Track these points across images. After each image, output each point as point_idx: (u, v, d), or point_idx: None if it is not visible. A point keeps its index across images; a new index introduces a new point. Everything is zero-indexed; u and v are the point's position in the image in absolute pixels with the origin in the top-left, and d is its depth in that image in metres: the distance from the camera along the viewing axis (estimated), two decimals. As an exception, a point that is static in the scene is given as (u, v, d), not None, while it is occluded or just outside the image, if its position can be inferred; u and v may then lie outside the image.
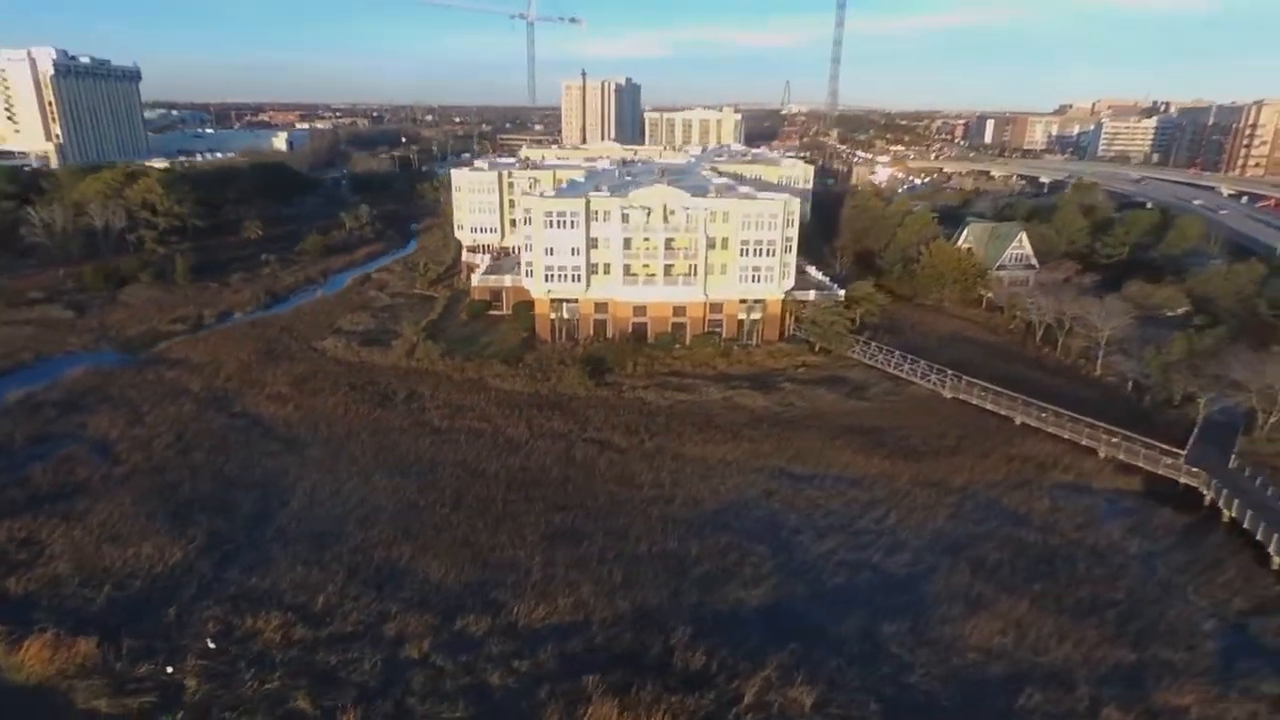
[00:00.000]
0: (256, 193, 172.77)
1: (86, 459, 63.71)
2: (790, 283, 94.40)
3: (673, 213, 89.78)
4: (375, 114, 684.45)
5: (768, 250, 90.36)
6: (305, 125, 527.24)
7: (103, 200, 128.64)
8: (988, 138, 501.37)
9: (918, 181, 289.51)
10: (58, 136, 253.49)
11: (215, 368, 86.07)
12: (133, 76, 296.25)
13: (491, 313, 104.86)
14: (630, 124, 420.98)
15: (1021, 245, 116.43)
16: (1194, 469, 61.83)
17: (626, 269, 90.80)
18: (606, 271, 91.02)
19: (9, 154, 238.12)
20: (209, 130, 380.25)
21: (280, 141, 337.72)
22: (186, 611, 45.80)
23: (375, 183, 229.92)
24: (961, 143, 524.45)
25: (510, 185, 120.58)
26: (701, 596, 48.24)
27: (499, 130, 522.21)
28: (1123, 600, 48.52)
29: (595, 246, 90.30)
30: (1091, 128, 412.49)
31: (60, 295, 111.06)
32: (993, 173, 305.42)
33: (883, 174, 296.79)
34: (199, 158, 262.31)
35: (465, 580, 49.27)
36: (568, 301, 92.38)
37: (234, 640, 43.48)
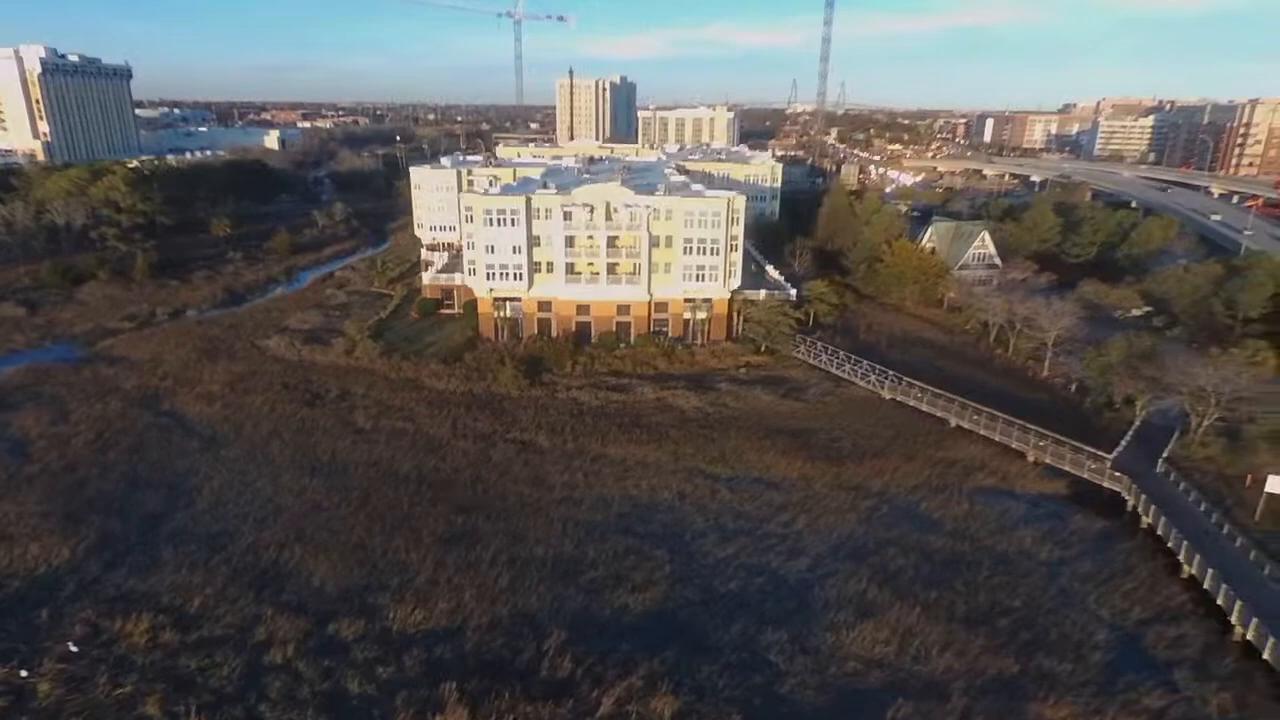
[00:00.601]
0: (230, 191, 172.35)
1: (-2, 458, 63.17)
2: (737, 282, 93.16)
3: (616, 211, 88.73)
4: (379, 113, 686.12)
5: (711, 249, 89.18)
6: (306, 124, 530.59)
7: (65, 198, 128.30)
8: (987, 136, 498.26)
9: (908, 180, 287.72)
10: (45, 134, 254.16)
11: (154, 366, 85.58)
12: (123, 75, 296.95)
13: (443, 311, 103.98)
14: (625, 122, 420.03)
15: (984, 245, 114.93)
16: (1117, 474, 60.42)
17: (570, 268, 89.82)
18: (549, 270, 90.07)
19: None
20: (203, 129, 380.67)
21: (272, 140, 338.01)
22: (59, 613, 45.14)
23: (356, 181, 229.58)
24: (961, 141, 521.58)
25: (470, 183, 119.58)
26: (587, 602, 47.27)
27: (499, 129, 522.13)
28: (1019, 608, 47.30)
29: (538, 245, 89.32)
30: (1089, 126, 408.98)
31: (15, 293, 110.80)
32: (985, 171, 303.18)
33: (874, 173, 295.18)
34: (188, 155, 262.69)
35: (348, 584, 48.44)
36: (511, 300, 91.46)
37: (99, 643, 42.79)
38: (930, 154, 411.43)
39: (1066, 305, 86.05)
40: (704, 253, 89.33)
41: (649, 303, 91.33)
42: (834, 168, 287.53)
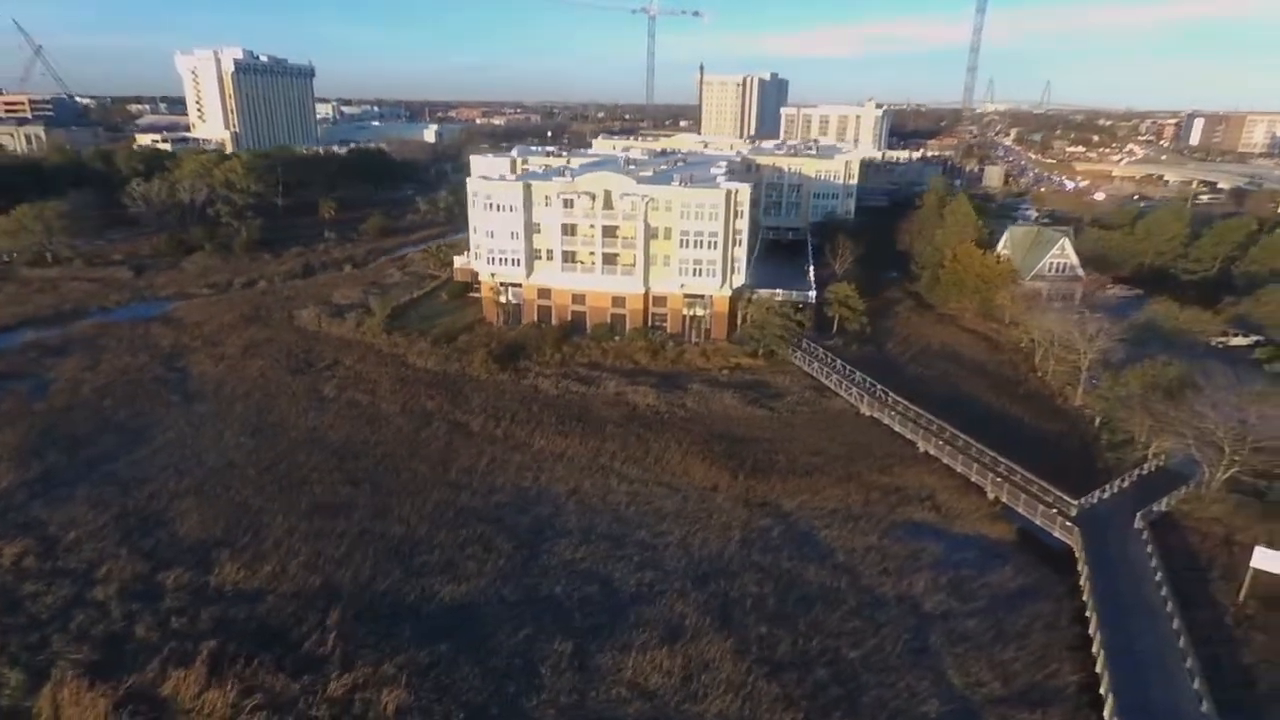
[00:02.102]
0: (349, 177, 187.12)
1: (19, 396, 72.58)
2: (741, 279, 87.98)
3: (616, 200, 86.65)
4: (554, 111, 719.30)
5: (709, 243, 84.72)
6: (483, 120, 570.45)
7: (193, 178, 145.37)
8: (1195, 139, 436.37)
9: (1070, 185, 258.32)
10: (235, 125, 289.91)
11: (197, 327, 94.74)
12: (307, 73, 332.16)
13: (472, 295, 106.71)
14: (772, 119, 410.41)
15: (1063, 253, 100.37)
16: (1069, 524, 50.55)
17: (567, 256, 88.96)
18: (549, 258, 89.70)
19: (195, 140, 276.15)
20: (375, 123, 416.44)
21: (430, 134, 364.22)
22: (-36, 530, 51.08)
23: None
24: (1164, 144, 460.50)
25: (525, 169, 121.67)
26: (400, 584, 46.62)
27: (659, 125, 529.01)
28: (851, 660, 40.91)
29: (538, 232, 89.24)
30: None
31: (132, 259, 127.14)
32: (1167, 177, 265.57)
33: (1028, 176, 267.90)
34: (352, 146, 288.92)
35: (204, 538, 50.91)
36: (512, 286, 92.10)
37: (-31, 562, 47.88)
38: (1118, 157, 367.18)
39: (1111, 325, 73.11)
40: (701, 246, 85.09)
41: (644, 296, 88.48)
42: (976, 169, 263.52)
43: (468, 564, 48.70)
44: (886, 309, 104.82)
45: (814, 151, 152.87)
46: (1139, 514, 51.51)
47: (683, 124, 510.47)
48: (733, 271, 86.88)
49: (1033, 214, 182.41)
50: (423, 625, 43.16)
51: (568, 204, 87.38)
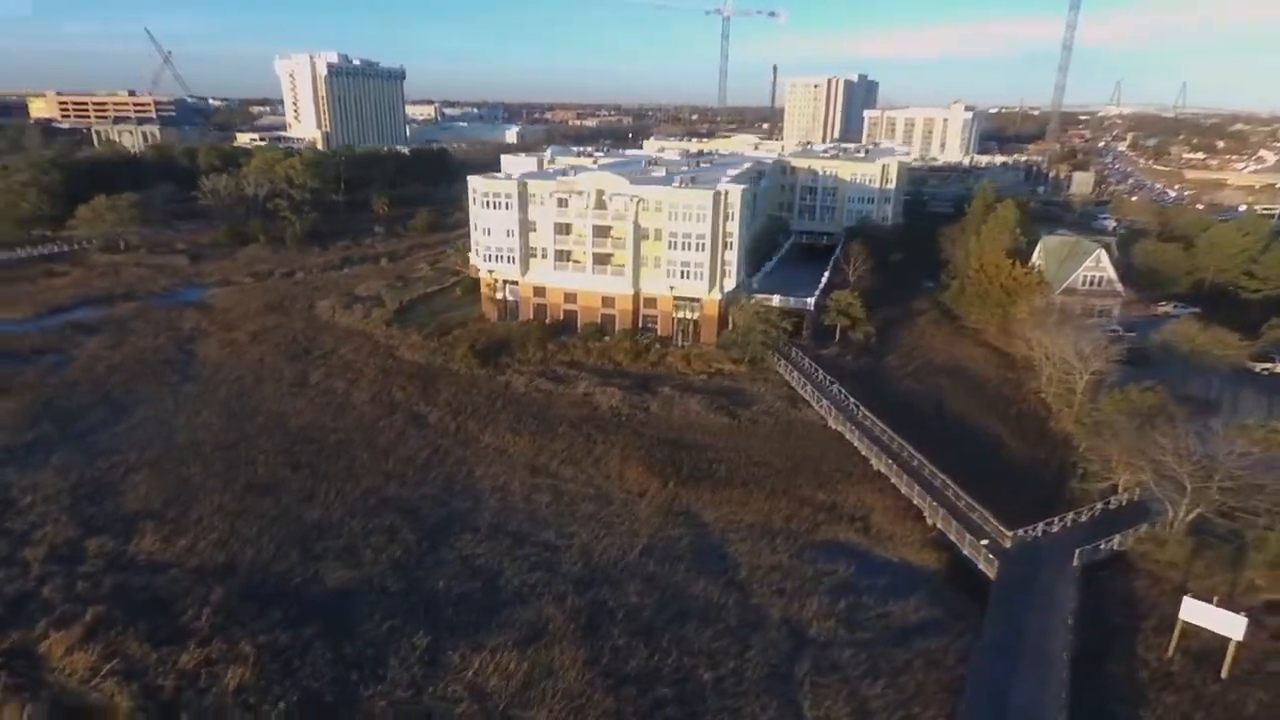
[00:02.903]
0: (411, 175, 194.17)
1: (40, 370, 78.97)
2: (732, 282, 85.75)
3: (609, 200, 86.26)
4: (647, 113, 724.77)
5: (697, 245, 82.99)
6: (577, 122, 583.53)
7: (259, 174, 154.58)
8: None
9: (1170, 194, 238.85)
10: (326, 125, 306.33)
11: (223, 313, 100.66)
12: (397, 76, 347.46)
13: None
14: (858, 123, 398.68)
15: (1099, 266, 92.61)
16: (992, 557, 46.57)
17: (561, 255, 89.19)
18: (543, 256, 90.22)
19: (288, 139, 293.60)
20: (461, 124, 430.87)
21: (512, 134, 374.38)
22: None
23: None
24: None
25: (566, 173, 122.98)
26: (294, 565, 47.91)
27: (749, 127, 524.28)
28: (705, 681, 39.09)
29: (533, 230, 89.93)
30: None
31: (194, 248, 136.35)
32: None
33: (1125, 184, 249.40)
34: (434, 146, 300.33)
35: (141, 509, 53.88)
36: (509, 283, 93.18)
37: (-63, 515, 52.52)
38: (1241, 165, 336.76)
39: (1101, 342, 66.93)
40: (689, 248, 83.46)
41: (634, 297, 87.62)
42: (1065, 175, 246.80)
43: (366, 552, 49.53)
44: (907, 319, 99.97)
45: (862, 155, 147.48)
46: (1078, 552, 46.86)
47: (762, 126, 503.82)
48: (723, 275, 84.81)
49: (1110, 224, 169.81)
50: (299, 607, 44.13)
51: (562, 203, 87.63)
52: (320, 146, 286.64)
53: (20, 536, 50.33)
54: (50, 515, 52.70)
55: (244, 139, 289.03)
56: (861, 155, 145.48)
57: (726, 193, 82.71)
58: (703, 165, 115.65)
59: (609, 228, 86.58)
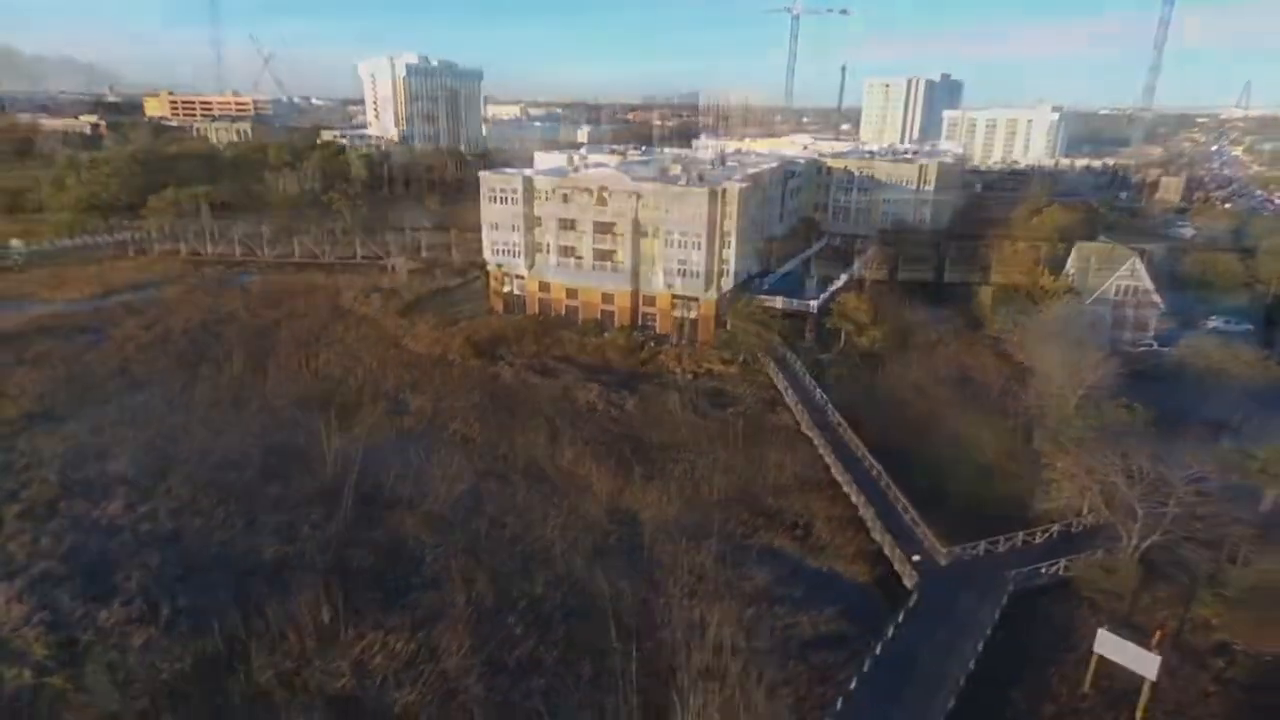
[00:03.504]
0: (467, 170, 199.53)
1: (79, 346, 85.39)
2: (730, 282, 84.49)
3: (610, 197, 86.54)
4: (727, 115, 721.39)
5: (694, 244, 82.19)
6: (660, 123, 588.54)
7: (315, 169, 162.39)
8: None
9: (1276, 202, 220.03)
10: (403, 125, 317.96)
11: (256, 298, 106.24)
12: (475, 76, 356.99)
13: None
14: (938, 124, 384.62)
15: (1133, 275, 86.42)
16: (913, 572, 44.34)
17: (565, 251, 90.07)
18: (548, 251, 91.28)
19: (367, 137, 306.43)
20: (537, 124, 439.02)
21: (582, 134, 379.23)
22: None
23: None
24: None
25: (577, 170, 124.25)
26: (234, 537, 50.29)
27: (825, 127, 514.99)
28: (579, 675, 38.79)
29: (539, 225, 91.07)
30: None
31: (251, 238, 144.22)
32: None
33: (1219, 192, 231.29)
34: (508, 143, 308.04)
35: (120, 472, 57.62)
36: (515, 277, 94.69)
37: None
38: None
39: (1090, 356, 62.44)
40: (686, 247, 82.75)
41: (633, 294, 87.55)
42: (1153, 183, 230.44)
43: (304, 528, 51.47)
44: (927, 326, 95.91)
45: (909, 156, 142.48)
46: (1012, 575, 44.07)
47: (844, 128, 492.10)
48: (721, 274, 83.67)
49: (1188, 232, 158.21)
50: (231, 577, 46.26)
51: (565, 199, 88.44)
52: (397, 145, 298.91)
53: (10, 495, 54.72)
54: (38, 477, 57.04)
55: (326, 136, 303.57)
56: (909, 156, 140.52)
57: (723, 190, 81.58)
58: (729, 164, 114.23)
59: (610, 224, 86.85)
